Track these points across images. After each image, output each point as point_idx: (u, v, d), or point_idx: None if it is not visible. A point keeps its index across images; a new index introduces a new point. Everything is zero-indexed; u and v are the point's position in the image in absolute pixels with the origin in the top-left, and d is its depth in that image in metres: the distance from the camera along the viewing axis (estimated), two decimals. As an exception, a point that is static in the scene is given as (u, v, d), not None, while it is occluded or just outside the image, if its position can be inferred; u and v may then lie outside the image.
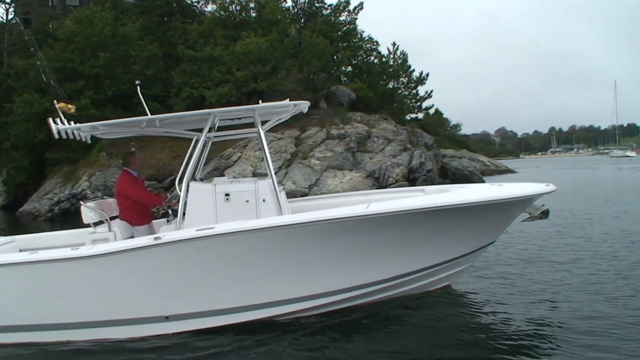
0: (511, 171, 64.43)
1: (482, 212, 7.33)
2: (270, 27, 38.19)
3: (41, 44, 35.59)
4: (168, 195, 8.85)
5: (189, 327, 6.99)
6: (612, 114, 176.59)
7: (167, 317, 6.97)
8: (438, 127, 63.05)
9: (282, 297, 7.11)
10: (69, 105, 7.77)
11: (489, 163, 67.30)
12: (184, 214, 7.51)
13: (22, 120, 33.33)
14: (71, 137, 7.82)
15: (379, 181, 29.31)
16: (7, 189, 37.26)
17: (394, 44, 50.70)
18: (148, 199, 8.42)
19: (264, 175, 8.08)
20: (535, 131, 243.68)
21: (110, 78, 34.47)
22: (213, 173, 26.64)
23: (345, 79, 48.54)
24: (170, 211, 8.43)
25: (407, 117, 51.16)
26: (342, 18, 48.50)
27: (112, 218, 8.07)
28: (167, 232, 7.08)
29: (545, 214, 7.62)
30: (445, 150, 52.73)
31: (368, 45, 50.98)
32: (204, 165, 9.32)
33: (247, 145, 30.29)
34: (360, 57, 49.97)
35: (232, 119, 8.63)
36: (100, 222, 8.00)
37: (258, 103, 7.79)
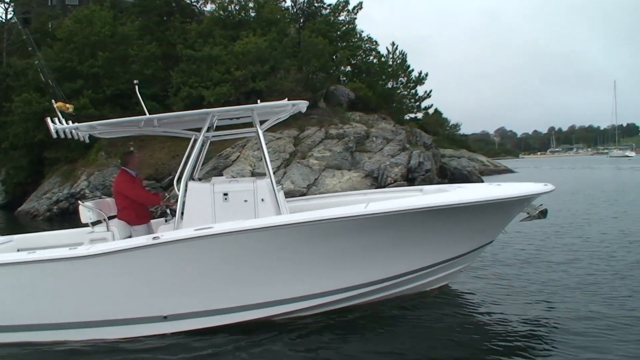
0: (510, 171, 64.47)
1: (481, 212, 7.33)
2: (269, 27, 38.16)
3: (40, 43, 35.58)
4: (166, 194, 8.86)
5: (187, 327, 6.99)
6: (611, 114, 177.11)
7: (165, 317, 6.97)
8: (437, 127, 63.02)
9: (280, 297, 7.11)
10: (67, 105, 7.77)
11: (488, 163, 67.30)
12: (182, 213, 7.50)
13: (21, 120, 33.33)
14: (69, 136, 7.82)
15: (377, 181, 29.32)
16: (5, 188, 37.26)
17: (393, 43, 50.81)
18: (146, 199, 8.42)
19: (262, 174, 8.07)
20: (535, 131, 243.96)
21: (109, 77, 34.46)
22: (212, 173, 26.63)
23: (345, 78, 48.53)
24: (168, 211, 8.43)
25: (406, 117, 51.19)
26: (341, 18, 48.48)
27: (110, 217, 8.05)
28: (166, 232, 7.09)
29: (543, 213, 7.63)
30: (445, 150, 52.73)
31: (367, 45, 50.99)
32: (203, 164, 9.32)
33: (245, 145, 30.28)
34: (359, 57, 49.96)
35: (231, 119, 8.63)
36: (98, 222, 7.99)
37: (257, 103, 7.78)
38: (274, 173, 7.71)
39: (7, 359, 6.74)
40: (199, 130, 7.97)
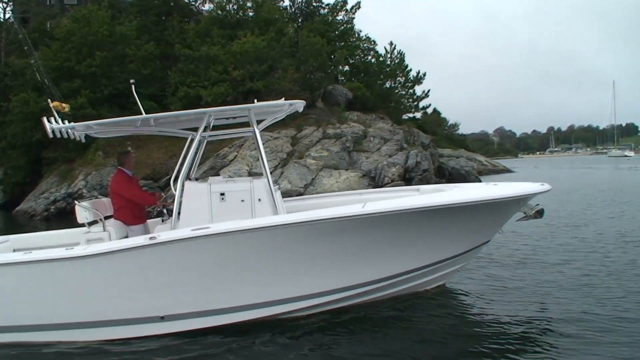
0: (509, 171, 64.48)
1: (477, 212, 7.34)
2: (267, 27, 38.16)
3: (38, 43, 35.61)
4: (163, 194, 8.83)
5: (185, 327, 6.97)
6: (610, 113, 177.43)
7: (162, 317, 6.96)
8: (436, 127, 63.00)
9: (277, 297, 7.10)
10: (64, 104, 7.76)
11: (486, 163, 67.31)
12: (179, 213, 7.49)
13: (19, 120, 33.29)
14: (65, 136, 7.80)
15: (374, 181, 29.34)
16: (3, 188, 37.21)
17: (391, 43, 50.71)
18: (142, 199, 8.41)
19: (259, 174, 8.07)
20: (534, 131, 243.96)
21: (107, 77, 34.43)
22: (209, 172, 26.62)
23: (342, 78, 48.47)
24: (165, 211, 8.41)
25: (405, 117, 51.19)
26: (339, 17, 48.49)
27: (106, 217, 8.04)
28: (162, 232, 7.06)
29: (540, 213, 7.62)
30: (443, 149, 52.77)
31: (365, 45, 50.90)
32: (200, 164, 9.33)
33: (243, 145, 30.27)
34: (357, 57, 49.88)
35: (227, 118, 8.62)
36: (94, 222, 7.98)
37: (254, 102, 7.78)
38: (271, 173, 7.70)
39: (4, 360, 6.74)
40: (195, 130, 7.96)
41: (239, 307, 7.04)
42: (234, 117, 8.54)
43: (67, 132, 7.77)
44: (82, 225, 8.06)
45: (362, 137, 33.40)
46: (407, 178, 30.19)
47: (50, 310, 6.94)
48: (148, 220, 8.59)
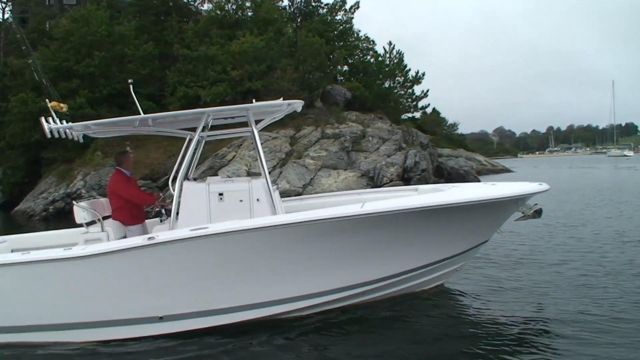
0: (508, 170, 64.51)
1: (475, 212, 7.35)
2: (266, 27, 38.15)
3: (37, 43, 35.59)
4: (161, 194, 8.82)
5: (183, 327, 6.97)
6: (610, 113, 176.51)
7: (161, 318, 6.96)
8: (435, 127, 63.02)
9: (275, 297, 7.11)
10: (61, 104, 7.76)
11: (485, 162, 67.35)
12: (177, 213, 7.49)
13: (18, 120, 33.23)
14: (63, 136, 7.80)
15: (373, 180, 29.37)
16: (2, 188, 37.15)
17: (390, 43, 50.73)
18: (140, 199, 8.40)
19: (258, 174, 8.07)
20: (534, 130, 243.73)
21: (106, 77, 34.38)
22: (207, 172, 26.65)
23: (341, 78, 48.51)
24: (163, 211, 8.40)
25: (404, 117, 51.21)
26: (338, 17, 48.49)
27: (104, 218, 8.04)
28: (161, 232, 7.05)
29: (538, 213, 7.64)
30: (442, 149, 52.85)
31: (364, 45, 50.94)
32: (198, 164, 9.33)
33: (241, 145, 30.27)
34: (356, 57, 49.92)
35: (226, 118, 8.63)
36: (92, 222, 7.98)
37: (252, 102, 7.79)
38: (269, 173, 7.71)
39: (2, 360, 6.73)
40: (194, 130, 7.96)
41: (237, 307, 7.04)
42: (233, 117, 8.55)
43: (65, 132, 7.77)
44: (81, 225, 8.05)
45: (361, 137, 33.42)
46: (406, 178, 30.21)
47: (48, 310, 6.93)
48: (146, 221, 8.58)
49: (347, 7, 47.96)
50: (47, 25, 42.71)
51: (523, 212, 7.71)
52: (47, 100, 7.72)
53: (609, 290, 8.27)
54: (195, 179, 8.45)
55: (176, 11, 43.19)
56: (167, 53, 38.03)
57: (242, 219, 7.03)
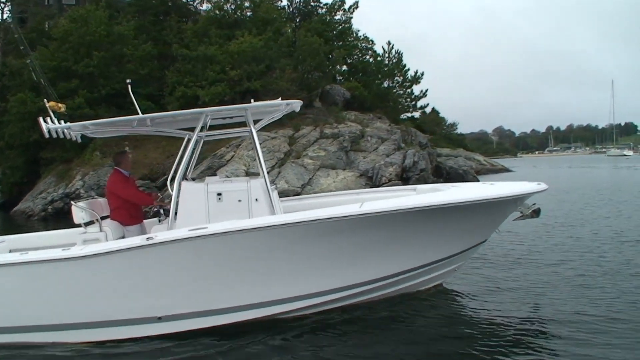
0: (507, 170, 64.51)
1: (474, 212, 7.35)
2: (265, 26, 38.12)
3: (36, 42, 35.56)
4: (160, 194, 8.83)
5: (182, 327, 6.97)
6: (609, 113, 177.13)
7: (159, 318, 6.95)
8: (434, 126, 63.04)
9: (274, 297, 7.11)
10: (59, 104, 7.76)
11: (485, 162, 67.37)
12: (175, 213, 7.49)
13: (17, 120, 33.21)
14: (61, 136, 7.80)
15: (372, 180, 29.35)
16: (1, 188, 37.10)
17: (389, 42, 50.70)
18: (139, 199, 8.40)
19: (256, 174, 8.07)
20: (533, 130, 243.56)
21: (105, 77, 34.37)
22: (206, 172, 26.62)
23: (340, 78, 48.49)
24: (162, 211, 8.40)
25: (403, 117, 51.19)
26: (337, 17, 48.41)
27: (103, 218, 8.03)
28: (159, 232, 7.05)
29: (536, 212, 7.65)
30: (442, 149, 52.88)
31: (363, 45, 50.90)
32: (197, 164, 9.33)
33: (240, 145, 30.24)
34: (355, 56, 49.88)
35: (224, 118, 8.62)
36: (91, 222, 7.97)
37: (251, 102, 7.78)
38: (268, 173, 7.70)
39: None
40: (192, 129, 7.95)
41: (236, 307, 7.04)
42: (231, 117, 8.54)
43: (63, 132, 7.76)
44: (79, 225, 8.04)
45: (360, 137, 33.40)
46: (405, 178, 30.19)
47: (47, 311, 6.92)
48: (145, 221, 8.58)
49: (346, 6, 47.95)
50: (46, 25, 42.70)
51: (521, 212, 7.72)
52: (45, 100, 7.72)
53: (606, 290, 8.26)
54: (193, 179, 8.45)
55: (175, 11, 43.16)
56: (166, 53, 37.99)
57: (240, 219, 7.02)
